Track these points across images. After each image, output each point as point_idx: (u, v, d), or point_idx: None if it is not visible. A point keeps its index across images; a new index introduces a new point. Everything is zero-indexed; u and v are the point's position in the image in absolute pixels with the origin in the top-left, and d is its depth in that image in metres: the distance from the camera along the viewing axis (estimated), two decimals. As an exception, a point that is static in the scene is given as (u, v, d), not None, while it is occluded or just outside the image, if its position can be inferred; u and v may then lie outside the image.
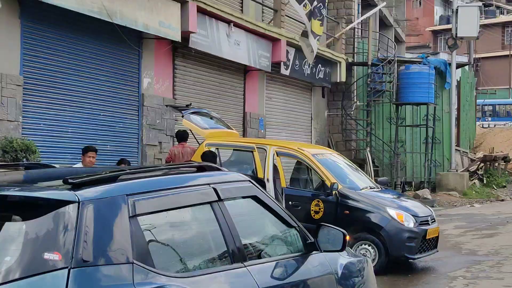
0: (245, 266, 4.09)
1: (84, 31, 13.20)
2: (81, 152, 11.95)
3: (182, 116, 13.15)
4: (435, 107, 25.34)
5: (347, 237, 4.86)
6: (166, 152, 15.52)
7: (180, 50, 16.14)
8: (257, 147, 12.14)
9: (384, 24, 33.09)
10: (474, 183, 27.43)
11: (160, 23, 14.16)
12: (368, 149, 23.51)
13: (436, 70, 25.31)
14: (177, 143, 13.68)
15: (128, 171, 3.87)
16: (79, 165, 11.68)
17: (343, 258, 5.18)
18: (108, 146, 13.85)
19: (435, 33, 67.49)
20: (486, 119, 52.59)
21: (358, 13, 26.25)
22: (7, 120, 11.41)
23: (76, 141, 13.01)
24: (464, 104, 31.14)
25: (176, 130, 14.60)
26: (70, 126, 13.04)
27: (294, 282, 4.46)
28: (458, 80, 29.44)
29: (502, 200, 24.71)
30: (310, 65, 21.54)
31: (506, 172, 30.84)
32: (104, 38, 13.68)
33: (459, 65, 28.11)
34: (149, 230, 3.57)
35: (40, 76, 12.32)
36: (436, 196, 23.69)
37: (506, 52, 64.13)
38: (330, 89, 24.44)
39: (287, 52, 19.90)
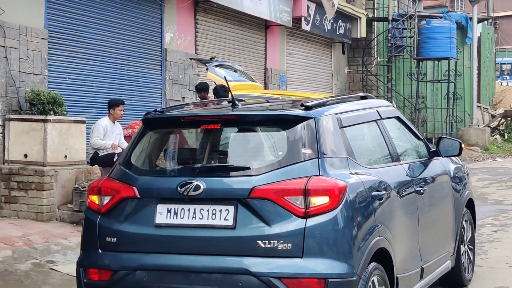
0: (400, 164, 5.90)
1: (106, -15, 13.15)
2: (106, 105, 12.00)
3: (207, 69, 13.11)
4: (456, 62, 25.13)
5: (463, 145, 6.72)
6: (189, 107, 15.49)
7: (202, 4, 16.05)
8: (282, 98, 12.08)
9: (402, -20, 32.68)
10: (496, 138, 27.31)
11: (181, -24, 14.07)
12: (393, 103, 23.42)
13: (457, 24, 25.05)
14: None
15: (329, 99, 5.44)
16: (106, 118, 11.71)
17: (453, 164, 7.19)
18: (133, 101, 13.85)
19: (452, -8, 66.60)
20: (504, 78, 52.08)
21: (377, -32, 25.94)
22: (33, 74, 11.42)
23: (100, 95, 13.02)
24: (485, 61, 30.86)
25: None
26: (94, 80, 13.05)
27: (426, 175, 6.33)
28: (479, 36, 29.13)
29: (525, 155, 24.63)
30: (331, 21, 21.38)
31: (528, 127, 30.64)
32: (126, -9, 13.63)
33: (480, 20, 27.80)
34: (349, 137, 5.18)
35: (64, 30, 12.30)
36: (458, 151, 23.55)
37: (525, 10, 63.24)
38: (350, 45, 24.27)
39: (308, 7, 19.74)
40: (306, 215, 4.54)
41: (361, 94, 6.32)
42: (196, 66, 15.66)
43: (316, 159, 4.72)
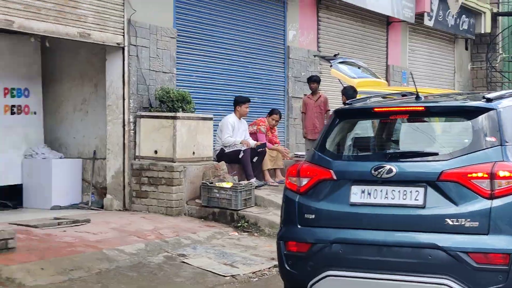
0: None
1: (232, -16, 13.33)
2: (232, 103, 12.22)
3: (331, 66, 13.09)
4: None
5: None
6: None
7: (324, 1, 16.01)
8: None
9: (528, -27, 31.51)
10: None
11: (305, -27, 14.07)
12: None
13: None
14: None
15: (505, 92, 5.82)
16: (232, 115, 11.91)
17: None
18: (257, 98, 13.98)
19: None
20: None
21: (503, -39, 25.10)
22: (163, 72, 11.71)
23: (226, 92, 13.22)
24: None
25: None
26: (220, 78, 13.24)
27: None
28: None
29: None
30: (454, 16, 20.88)
31: None
32: (251, -10, 13.78)
33: None
34: None
35: (191, 29, 12.55)
36: None
37: None
38: (474, 40, 23.60)
39: (431, 2, 19.35)
40: (491, 196, 5.03)
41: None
42: (319, 63, 15.64)
43: (500, 146, 5.21)
